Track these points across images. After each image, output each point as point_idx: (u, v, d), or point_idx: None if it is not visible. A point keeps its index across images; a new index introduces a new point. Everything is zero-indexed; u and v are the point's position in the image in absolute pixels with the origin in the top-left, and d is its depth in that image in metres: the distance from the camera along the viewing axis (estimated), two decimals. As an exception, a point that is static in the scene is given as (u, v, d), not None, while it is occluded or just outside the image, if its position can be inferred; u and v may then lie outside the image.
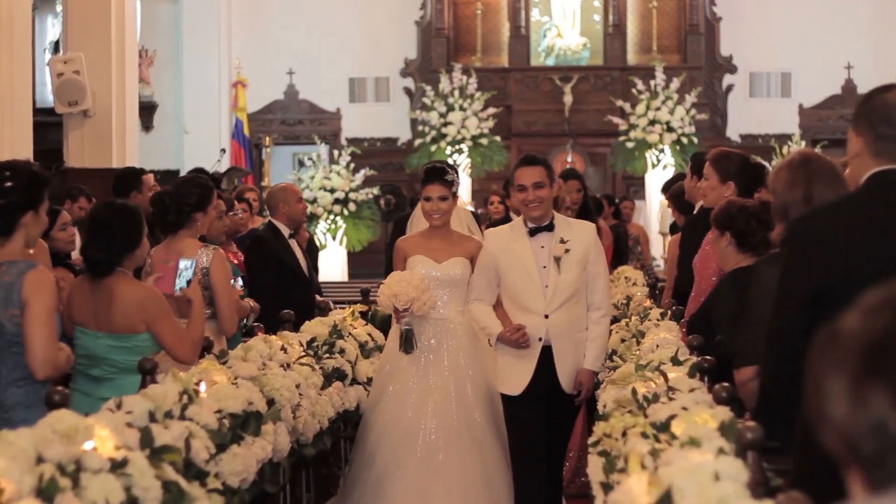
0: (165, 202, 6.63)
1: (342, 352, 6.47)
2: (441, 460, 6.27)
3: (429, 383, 6.42)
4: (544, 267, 6.20)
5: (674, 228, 8.82)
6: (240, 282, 7.53)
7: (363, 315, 7.44)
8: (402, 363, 6.46)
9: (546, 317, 6.18)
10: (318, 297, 8.10)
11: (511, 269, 6.26)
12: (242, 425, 4.51)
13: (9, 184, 4.66)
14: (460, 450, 6.29)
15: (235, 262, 8.07)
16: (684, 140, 18.75)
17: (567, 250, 6.19)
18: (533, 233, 6.26)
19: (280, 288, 7.86)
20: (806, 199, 4.17)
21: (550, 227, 6.26)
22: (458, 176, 6.65)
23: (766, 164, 7.28)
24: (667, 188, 9.73)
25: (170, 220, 6.57)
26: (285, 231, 8.22)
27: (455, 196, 6.55)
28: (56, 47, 18.88)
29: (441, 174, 6.49)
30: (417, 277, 6.34)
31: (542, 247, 6.23)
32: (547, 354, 6.18)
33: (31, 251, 4.88)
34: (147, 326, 5.27)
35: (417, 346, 6.39)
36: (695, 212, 7.38)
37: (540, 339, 6.18)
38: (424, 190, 6.52)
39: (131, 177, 9.30)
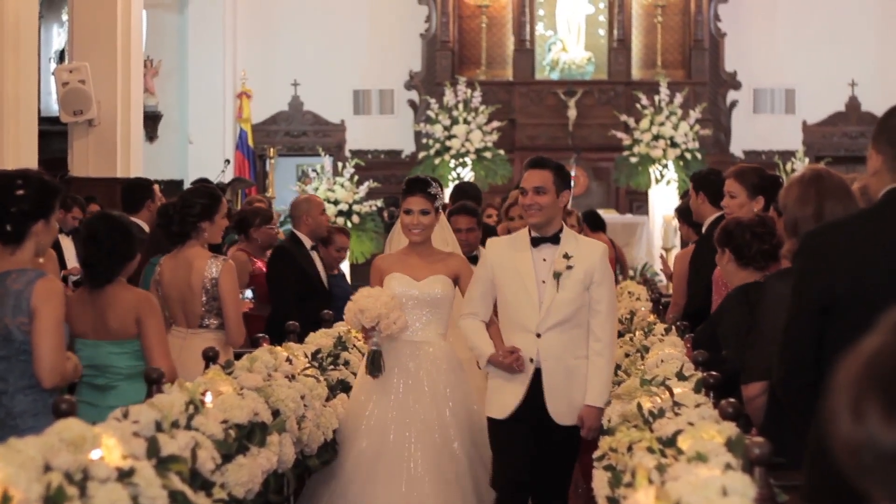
0: (170, 213, 6.66)
1: (347, 363, 6.46)
2: (425, 491, 5.86)
3: (409, 411, 5.98)
4: (543, 282, 5.72)
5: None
6: (248, 294, 7.54)
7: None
8: (378, 389, 6.02)
9: (538, 336, 5.69)
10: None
11: (507, 281, 5.78)
12: (248, 436, 4.50)
13: (20, 192, 4.67)
14: (442, 480, 5.88)
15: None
16: (688, 156, 18.77)
17: (569, 267, 5.70)
18: (536, 243, 5.79)
19: (301, 299, 7.89)
20: (817, 215, 4.18)
21: (556, 240, 5.77)
22: (442, 191, 6.26)
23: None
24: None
25: (174, 230, 6.59)
26: (307, 242, 8.25)
27: (437, 212, 6.16)
28: (61, 56, 18.90)
29: (424, 186, 6.12)
30: (387, 294, 5.94)
31: (544, 260, 5.76)
32: (538, 378, 5.70)
33: (41, 260, 4.90)
34: (137, 327, 5.32)
35: (384, 370, 5.96)
36: (703, 230, 7.37)
37: (532, 360, 5.69)
38: (405, 202, 6.10)
39: (144, 187, 9.35)
